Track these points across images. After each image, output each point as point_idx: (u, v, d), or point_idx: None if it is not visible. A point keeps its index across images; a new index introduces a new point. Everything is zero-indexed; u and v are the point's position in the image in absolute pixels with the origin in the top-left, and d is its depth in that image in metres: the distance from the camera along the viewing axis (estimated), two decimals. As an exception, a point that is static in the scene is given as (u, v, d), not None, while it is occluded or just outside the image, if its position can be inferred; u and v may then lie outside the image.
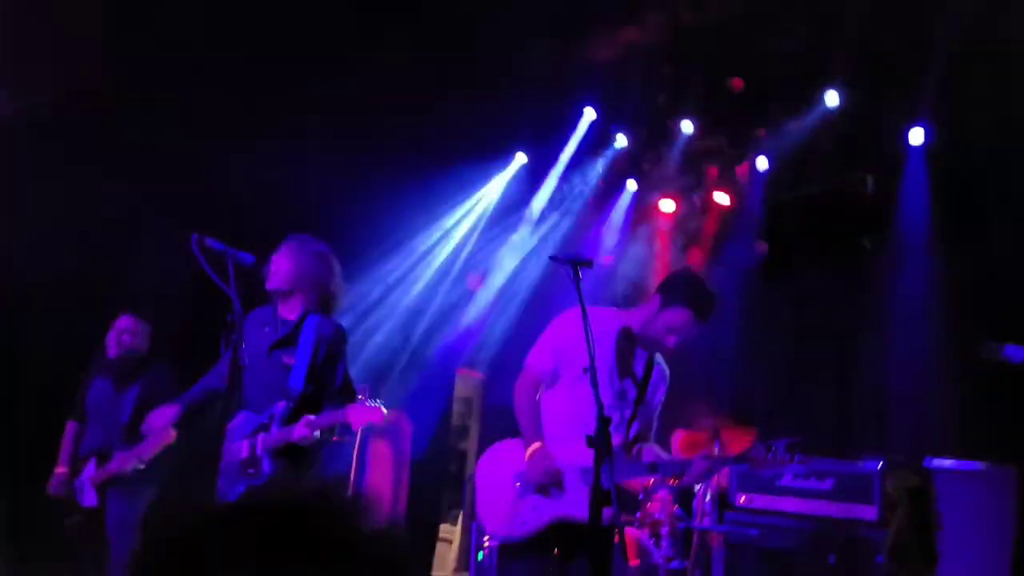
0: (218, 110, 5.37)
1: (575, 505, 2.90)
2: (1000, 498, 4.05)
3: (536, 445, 3.01)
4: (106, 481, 4.23)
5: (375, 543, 0.76)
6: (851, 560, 4.43)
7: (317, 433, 3.21)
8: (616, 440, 2.89)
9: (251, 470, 3.28)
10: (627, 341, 3.20)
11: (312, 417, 3.23)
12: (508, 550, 3.07)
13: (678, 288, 3.17)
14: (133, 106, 5.44)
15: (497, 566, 3.23)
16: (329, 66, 5.61)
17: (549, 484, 2.95)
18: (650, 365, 3.22)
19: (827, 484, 4.75)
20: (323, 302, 3.47)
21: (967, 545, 3.99)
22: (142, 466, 4.15)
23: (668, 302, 3.13)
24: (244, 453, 3.30)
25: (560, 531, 2.94)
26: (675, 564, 4.60)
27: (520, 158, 7.71)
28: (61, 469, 4.50)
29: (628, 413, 3.11)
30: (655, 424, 3.29)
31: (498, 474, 3.14)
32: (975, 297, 5.51)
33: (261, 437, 3.29)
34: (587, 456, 2.72)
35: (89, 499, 4.27)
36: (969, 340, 4.80)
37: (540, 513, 2.96)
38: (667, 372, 3.29)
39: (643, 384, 3.17)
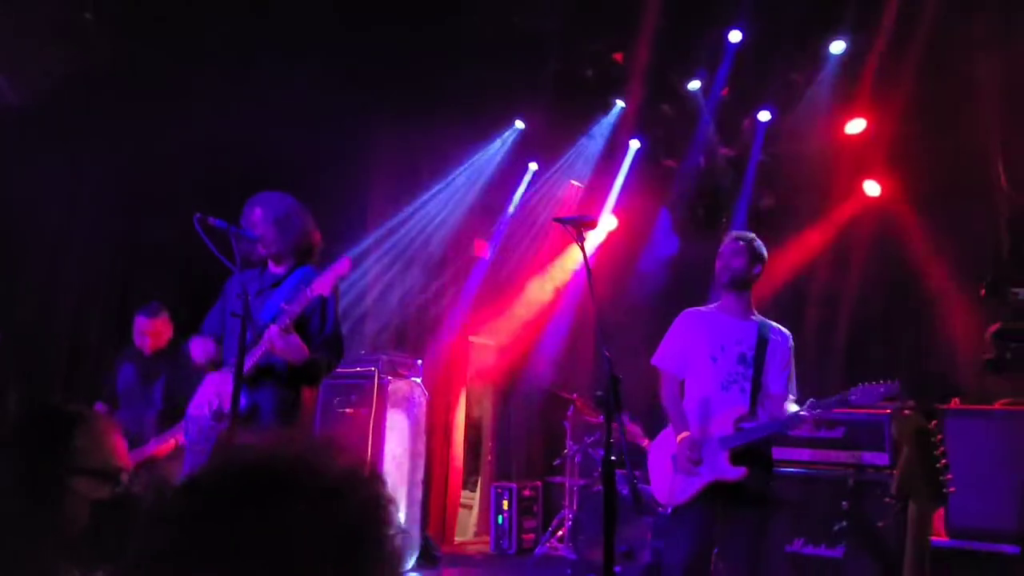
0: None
1: (714, 471, 3.41)
2: (1011, 436, 4.08)
3: (684, 434, 3.52)
4: (139, 466, 4.30)
5: (352, 484, 0.78)
6: (863, 506, 4.49)
7: (289, 322, 3.02)
8: (743, 402, 3.46)
9: (221, 405, 3.16)
10: (729, 315, 3.63)
11: (284, 315, 3.06)
12: (675, 513, 3.57)
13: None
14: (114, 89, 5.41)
15: (668, 527, 3.82)
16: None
17: (694, 461, 3.44)
18: (763, 328, 3.58)
19: (838, 432, 4.80)
20: (308, 252, 3.40)
21: (980, 481, 4.04)
22: (171, 448, 4.22)
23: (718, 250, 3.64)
24: (214, 403, 3.19)
25: (713, 491, 3.42)
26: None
27: (518, 124, 7.69)
28: None
29: (751, 373, 3.50)
30: (790, 377, 3.60)
31: (660, 458, 3.65)
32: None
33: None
34: (700, 430, 3.46)
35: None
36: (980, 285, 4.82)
37: (692, 483, 3.46)
38: (785, 333, 3.67)
39: (759, 348, 3.53)
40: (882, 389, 3.30)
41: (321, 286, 3.05)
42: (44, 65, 4.94)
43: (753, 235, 3.68)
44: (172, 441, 4.23)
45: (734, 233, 3.70)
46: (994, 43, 5.32)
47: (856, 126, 6.46)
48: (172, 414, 4.29)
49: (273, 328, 3.05)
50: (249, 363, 3.06)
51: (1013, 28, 5.22)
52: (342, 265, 3.09)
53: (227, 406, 3.06)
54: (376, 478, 0.82)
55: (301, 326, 3.18)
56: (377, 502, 0.79)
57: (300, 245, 3.37)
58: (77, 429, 1.50)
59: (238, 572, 0.71)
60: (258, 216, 3.34)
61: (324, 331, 3.26)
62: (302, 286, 3.16)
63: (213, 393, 3.21)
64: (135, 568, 0.74)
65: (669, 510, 3.64)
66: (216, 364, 3.30)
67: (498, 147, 7.72)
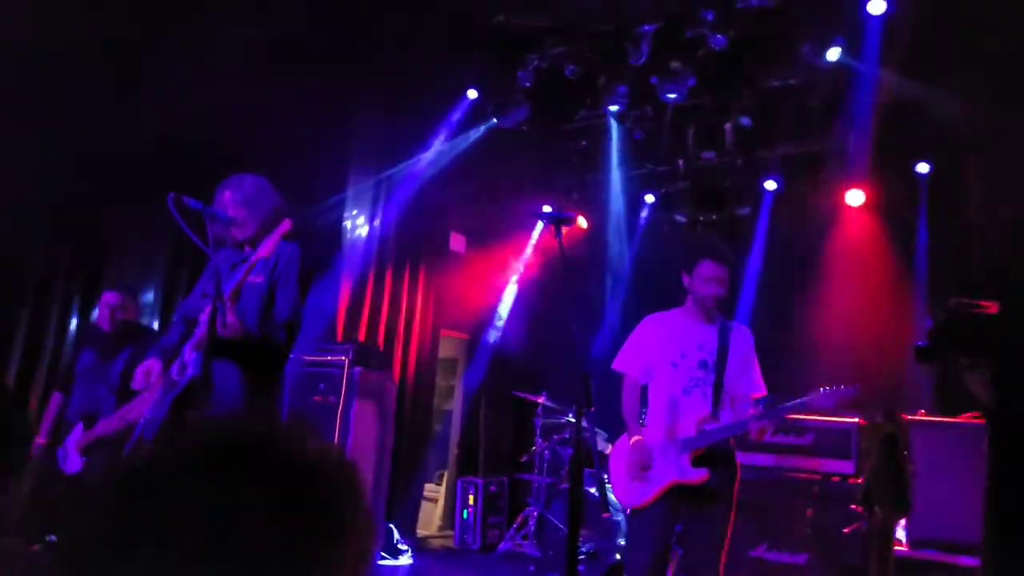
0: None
1: (667, 474, 3.47)
2: (971, 447, 4.14)
3: (636, 438, 3.59)
4: (92, 444, 4.22)
5: (321, 465, 0.75)
6: (828, 513, 4.53)
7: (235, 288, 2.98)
8: (705, 405, 3.50)
9: (176, 376, 3.08)
10: (691, 320, 3.67)
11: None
12: (634, 514, 3.62)
13: (689, 249, 3.70)
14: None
15: (627, 527, 3.90)
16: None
17: (646, 465, 3.51)
18: (723, 332, 3.60)
19: (806, 439, 4.84)
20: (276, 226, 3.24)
21: (941, 493, 4.10)
22: (125, 427, 4.14)
23: (691, 264, 3.60)
24: (173, 371, 3.11)
25: (675, 493, 3.47)
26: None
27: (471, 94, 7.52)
28: (41, 440, 4.47)
29: (712, 378, 3.54)
30: (753, 374, 3.67)
31: (618, 462, 3.69)
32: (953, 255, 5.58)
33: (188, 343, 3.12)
34: (665, 434, 3.51)
35: (73, 464, 4.25)
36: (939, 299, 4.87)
37: (651, 485, 3.50)
38: (746, 331, 3.72)
39: (720, 351, 3.56)
40: (842, 394, 3.34)
41: (264, 250, 3.04)
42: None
43: (732, 254, 3.71)
44: (118, 420, 4.15)
45: (718, 251, 3.64)
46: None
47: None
48: (127, 395, 4.22)
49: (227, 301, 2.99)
50: (199, 334, 3.03)
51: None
52: (283, 226, 3.07)
53: (189, 373, 3.03)
54: (345, 461, 0.78)
55: (265, 302, 3.17)
56: (347, 485, 0.76)
57: (268, 221, 3.28)
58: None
59: (188, 555, 0.66)
60: (227, 198, 3.29)
61: (284, 312, 3.20)
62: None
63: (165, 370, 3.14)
64: (74, 547, 0.70)
65: (628, 512, 3.66)
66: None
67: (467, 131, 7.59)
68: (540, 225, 7.61)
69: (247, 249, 3.35)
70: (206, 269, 3.44)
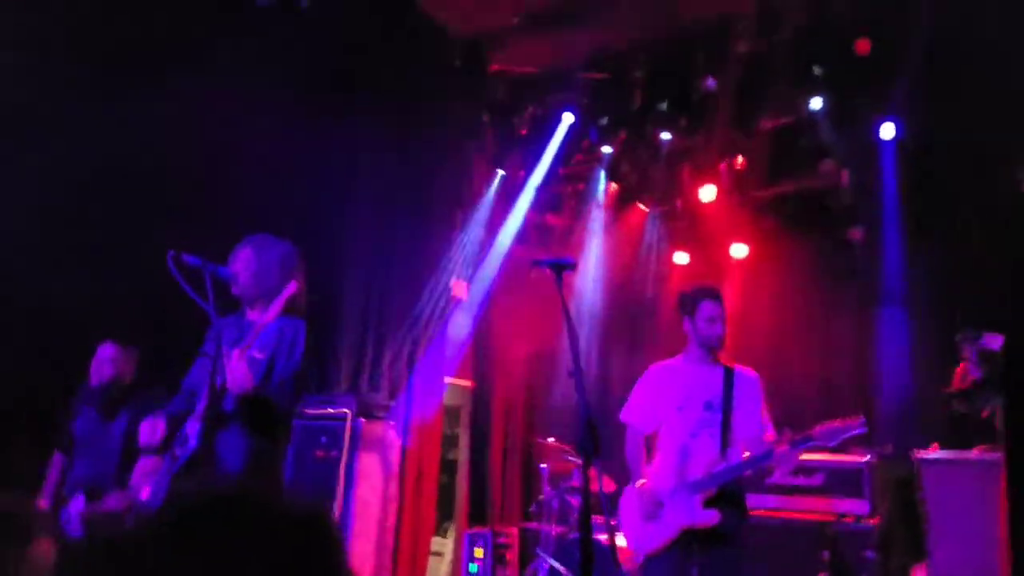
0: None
1: (679, 518, 3.45)
2: (988, 485, 4.06)
3: (641, 481, 3.63)
4: (96, 517, 4.12)
5: (302, 523, 0.76)
6: (843, 554, 4.43)
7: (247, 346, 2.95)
8: (714, 447, 3.49)
9: (177, 450, 3.04)
10: (694, 364, 3.70)
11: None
12: (647, 561, 3.57)
13: (688, 294, 3.77)
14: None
15: (642, 573, 3.78)
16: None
17: (655, 511, 3.51)
18: (728, 375, 3.63)
19: (817, 480, 4.77)
20: (289, 304, 3.19)
21: (957, 534, 4.00)
22: (128, 504, 4.06)
23: (691, 308, 3.66)
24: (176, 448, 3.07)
25: (687, 538, 3.45)
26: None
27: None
28: (43, 502, 4.36)
29: (719, 418, 3.53)
30: (762, 415, 3.66)
31: (628, 508, 3.70)
32: (954, 287, 5.55)
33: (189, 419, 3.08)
34: (676, 478, 3.50)
35: (76, 531, 4.17)
36: (949, 329, 4.83)
37: (663, 531, 3.49)
38: (752, 375, 3.72)
39: (726, 393, 3.58)
40: (845, 427, 3.29)
41: (271, 313, 3.01)
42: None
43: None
44: (128, 500, 4.07)
45: (714, 292, 3.72)
46: None
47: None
48: (131, 459, 4.15)
49: (234, 351, 2.97)
50: (202, 404, 2.98)
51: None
52: (288, 289, 3.04)
53: (190, 445, 2.98)
54: (328, 521, 0.79)
55: (268, 367, 3.11)
56: (326, 545, 0.76)
57: (273, 294, 3.17)
58: None
59: None
60: (244, 255, 3.26)
61: (288, 369, 3.14)
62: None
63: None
64: None
65: (640, 558, 3.60)
66: (156, 449, 3.17)
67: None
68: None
69: (248, 312, 3.31)
70: (207, 335, 3.38)
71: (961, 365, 4.69)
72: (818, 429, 3.34)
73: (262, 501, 0.76)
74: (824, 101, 5.88)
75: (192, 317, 3.15)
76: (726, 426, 3.53)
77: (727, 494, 3.44)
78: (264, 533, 0.72)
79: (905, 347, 5.85)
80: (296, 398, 3.23)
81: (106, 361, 4.41)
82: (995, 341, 3.91)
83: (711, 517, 3.38)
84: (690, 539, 3.43)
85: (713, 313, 3.63)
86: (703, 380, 3.64)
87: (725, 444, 3.51)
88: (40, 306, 5.34)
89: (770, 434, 3.60)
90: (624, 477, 3.88)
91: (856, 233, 6.57)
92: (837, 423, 3.31)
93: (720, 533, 3.39)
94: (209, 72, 4.95)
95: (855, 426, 3.30)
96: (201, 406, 3.00)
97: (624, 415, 3.82)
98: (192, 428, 3.03)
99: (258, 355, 3.09)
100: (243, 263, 3.25)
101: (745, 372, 3.71)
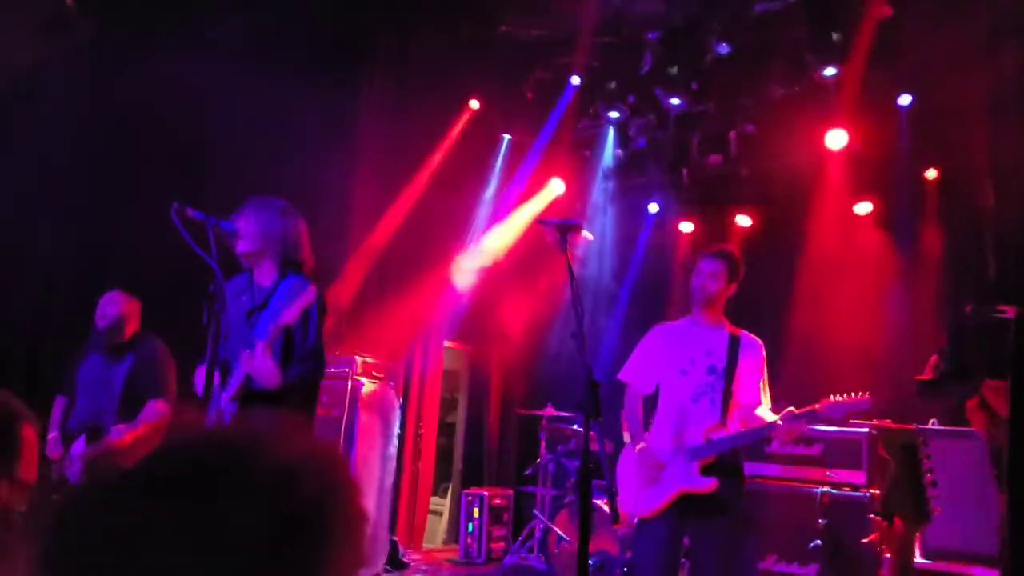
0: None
1: (675, 482, 3.42)
2: (987, 455, 4.08)
3: (641, 445, 3.58)
4: (98, 457, 4.16)
5: (308, 467, 0.72)
6: (839, 524, 4.47)
7: (264, 346, 2.98)
8: (714, 413, 3.45)
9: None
10: (698, 327, 3.64)
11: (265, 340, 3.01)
12: (641, 524, 3.55)
13: (695, 256, 3.73)
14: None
15: (636, 537, 3.72)
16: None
17: (656, 472, 3.47)
18: (734, 341, 3.57)
19: (815, 450, 4.78)
20: (295, 262, 3.27)
21: (955, 502, 4.03)
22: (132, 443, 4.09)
23: (693, 267, 3.65)
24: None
25: (683, 503, 3.42)
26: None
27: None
28: (54, 433, 4.40)
29: (721, 384, 3.50)
30: (762, 385, 3.61)
31: (626, 471, 3.65)
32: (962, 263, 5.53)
33: (222, 393, 3.12)
34: (674, 442, 3.47)
35: (76, 475, 4.21)
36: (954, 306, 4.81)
37: (660, 494, 3.45)
38: (756, 342, 3.65)
39: (730, 359, 3.52)
40: (851, 404, 3.28)
41: (288, 316, 3.01)
42: (23, 51, 4.78)
43: (733, 251, 3.66)
44: (133, 433, 4.10)
45: (716, 248, 3.66)
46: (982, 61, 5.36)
47: (837, 139, 6.46)
48: (131, 404, 4.14)
49: (245, 353, 3.00)
50: (235, 386, 3.02)
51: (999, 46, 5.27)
52: (308, 294, 3.05)
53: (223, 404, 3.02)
54: (337, 462, 0.75)
55: (286, 341, 3.12)
56: (336, 487, 0.72)
57: (278, 249, 3.23)
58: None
59: (160, 564, 0.64)
60: (247, 211, 3.25)
61: (306, 344, 3.17)
62: (287, 302, 3.08)
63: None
64: (53, 559, 0.67)
65: (635, 521, 3.60)
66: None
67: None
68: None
69: (256, 276, 3.31)
70: (218, 297, 3.37)
71: (934, 356, 4.66)
72: (823, 405, 3.31)
73: (266, 448, 0.72)
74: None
75: (196, 271, 3.16)
76: (727, 392, 3.49)
77: (725, 462, 3.41)
78: (271, 482, 0.69)
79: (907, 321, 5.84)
80: (319, 373, 3.25)
81: (111, 303, 4.43)
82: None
83: (709, 484, 3.35)
84: (686, 505, 3.39)
85: (703, 268, 3.58)
86: (708, 343, 3.57)
87: (726, 411, 3.48)
88: (47, 256, 5.38)
89: (758, 400, 3.55)
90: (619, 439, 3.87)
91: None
92: (842, 400, 3.29)
93: (717, 500, 3.36)
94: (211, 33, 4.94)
95: (861, 404, 3.28)
96: (235, 383, 3.04)
97: (624, 374, 3.74)
98: (228, 406, 3.06)
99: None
100: (245, 218, 3.24)
101: (749, 338, 3.65)
